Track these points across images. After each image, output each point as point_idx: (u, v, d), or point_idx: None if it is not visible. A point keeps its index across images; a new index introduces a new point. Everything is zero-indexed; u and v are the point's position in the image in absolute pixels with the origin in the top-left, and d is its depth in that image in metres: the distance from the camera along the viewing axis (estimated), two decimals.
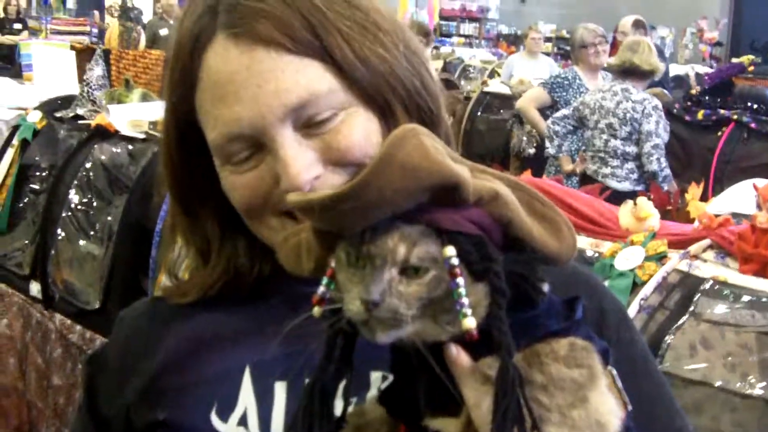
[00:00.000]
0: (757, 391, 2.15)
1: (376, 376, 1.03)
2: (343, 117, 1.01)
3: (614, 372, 0.90)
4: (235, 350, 1.09)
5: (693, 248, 2.28)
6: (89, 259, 3.47)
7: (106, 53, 8.48)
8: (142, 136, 3.54)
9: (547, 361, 0.83)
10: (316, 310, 0.85)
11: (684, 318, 2.18)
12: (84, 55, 6.90)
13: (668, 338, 2.18)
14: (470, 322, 0.79)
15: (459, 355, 0.84)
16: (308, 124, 1.01)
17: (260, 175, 1.02)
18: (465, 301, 0.79)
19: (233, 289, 1.11)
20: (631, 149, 5.48)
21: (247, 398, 1.06)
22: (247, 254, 1.11)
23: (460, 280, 0.80)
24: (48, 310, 3.58)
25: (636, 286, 2.26)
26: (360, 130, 1.02)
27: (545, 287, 0.89)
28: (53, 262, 3.58)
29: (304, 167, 0.99)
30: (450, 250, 0.81)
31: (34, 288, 3.65)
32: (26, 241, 3.77)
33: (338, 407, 0.96)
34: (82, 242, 3.51)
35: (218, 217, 1.12)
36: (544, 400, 0.82)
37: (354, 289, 0.81)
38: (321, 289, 0.85)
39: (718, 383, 2.23)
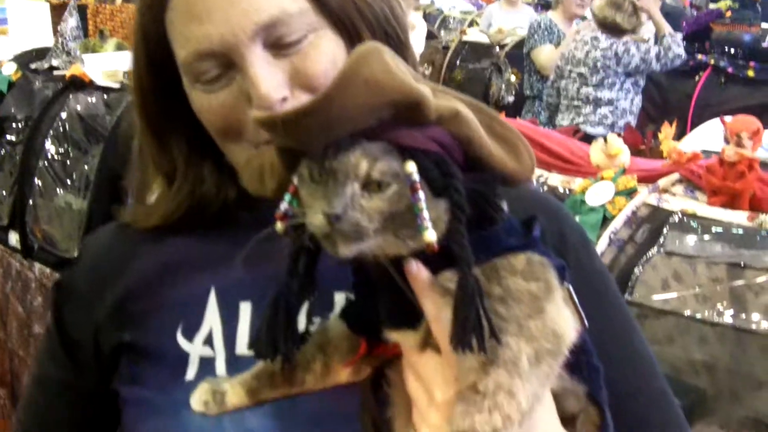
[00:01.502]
0: (727, 319, 2.19)
1: (340, 297, 1.05)
2: (312, 39, 1.02)
3: (571, 288, 0.92)
4: (200, 274, 1.10)
5: (662, 182, 2.31)
6: (67, 210, 3.48)
7: (82, 8, 8.39)
8: (117, 86, 3.53)
9: (505, 274, 0.85)
10: (279, 226, 0.87)
11: (653, 251, 2.21)
12: (59, 11, 6.82)
13: (638, 270, 2.21)
14: (431, 235, 0.81)
15: (419, 270, 0.85)
16: (278, 45, 1.01)
17: (231, 96, 1.03)
18: (425, 215, 0.81)
19: (199, 215, 1.12)
20: (603, 94, 5.49)
21: (212, 318, 1.07)
22: (212, 179, 1.12)
23: (421, 195, 0.81)
24: (27, 260, 3.59)
25: (606, 220, 2.29)
26: (328, 55, 1.03)
27: (504, 206, 0.91)
28: (31, 213, 3.58)
29: (273, 87, 1.00)
30: (411, 166, 0.82)
31: (13, 238, 3.65)
32: (4, 193, 3.76)
33: (301, 325, 0.98)
34: (59, 192, 3.51)
35: (185, 141, 1.12)
36: (501, 312, 0.84)
37: (316, 204, 0.82)
38: (284, 205, 0.86)
39: (687, 313, 2.27)
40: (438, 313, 0.85)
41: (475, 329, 0.80)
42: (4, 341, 3.64)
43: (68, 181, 3.49)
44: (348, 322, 0.97)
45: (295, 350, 0.93)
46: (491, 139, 0.89)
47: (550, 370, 0.86)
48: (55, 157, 3.57)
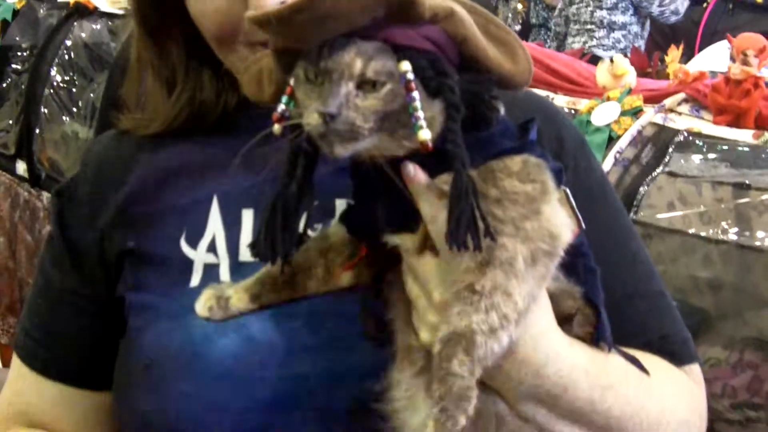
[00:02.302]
0: (731, 237, 2.20)
1: (340, 204, 1.06)
2: None
3: (567, 191, 0.92)
4: (202, 181, 1.11)
5: (668, 102, 2.30)
6: (73, 138, 3.48)
7: None
8: (122, 12, 3.50)
9: (501, 176, 0.86)
10: (276, 128, 0.87)
11: (658, 170, 2.20)
12: None
13: (642, 190, 2.21)
14: (425, 134, 0.81)
15: (416, 172, 0.86)
16: None
17: (226, 0, 1.02)
18: (420, 114, 0.81)
19: (199, 122, 1.13)
20: (617, 18, 5.44)
21: (215, 225, 1.08)
22: (212, 86, 1.12)
23: (416, 94, 0.81)
24: (35, 188, 3.60)
25: (612, 140, 2.28)
26: None
27: (500, 107, 0.90)
28: (38, 142, 3.58)
29: None
30: (405, 65, 0.82)
31: (21, 167, 3.66)
32: (10, 122, 3.76)
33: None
34: (66, 120, 3.50)
35: (184, 48, 1.12)
36: (498, 213, 0.85)
37: (312, 104, 0.82)
38: (280, 107, 0.87)
39: (692, 231, 2.27)
40: (435, 214, 0.85)
41: (469, 227, 0.81)
42: (14, 270, 3.66)
43: (74, 109, 3.48)
44: (348, 227, 0.98)
45: (293, 251, 0.94)
46: (487, 40, 0.88)
47: (546, 271, 0.87)
48: (61, 85, 3.56)
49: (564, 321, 0.93)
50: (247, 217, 1.08)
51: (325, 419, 1.00)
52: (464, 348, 0.81)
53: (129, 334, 1.09)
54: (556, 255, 0.87)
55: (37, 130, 3.59)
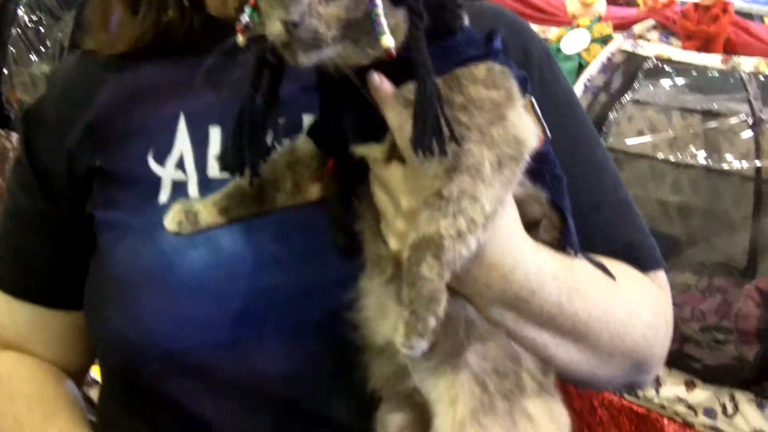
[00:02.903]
0: (701, 161, 2.22)
1: (308, 119, 1.06)
2: None
3: (533, 99, 0.93)
4: (168, 99, 1.11)
5: (637, 28, 2.30)
6: (42, 78, 3.45)
7: None
8: None
9: (466, 83, 0.86)
10: (240, 39, 0.87)
11: (627, 96, 2.22)
12: None
13: (612, 116, 2.23)
14: (388, 40, 0.81)
15: (381, 81, 0.86)
16: None
17: None
18: (383, 20, 0.81)
19: (165, 43, 1.12)
20: None
21: (182, 143, 1.08)
22: (177, 6, 1.11)
23: (378, 1, 0.81)
24: (4, 129, 3.57)
25: (582, 68, 2.29)
26: None
27: (464, 16, 0.90)
28: (6, 82, 3.55)
29: None
30: None
31: None
32: None
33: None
34: (34, 60, 3.47)
35: None
36: (463, 119, 0.85)
37: (275, 13, 0.81)
38: (244, 17, 0.86)
39: (661, 156, 2.29)
40: (401, 122, 0.86)
41: (435, 133, 0.81)
42: None
43: (42, 49, 3.45)
44: (315, 140, 0.98)
45: (261, 162, 0.94)
46: None
47: (512, 176, 0.87)
48: (29, 24, 3.53)
49: (531, 227, 0.94)
50: (215, 134, 1.08)
51: (296, 331, 1.01)
52: (433, 252, 0.82)
53: (99, 251, 1.10)
54: (522, 160, 0.87)
55: (6, 71, 3.55)
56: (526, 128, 0.88)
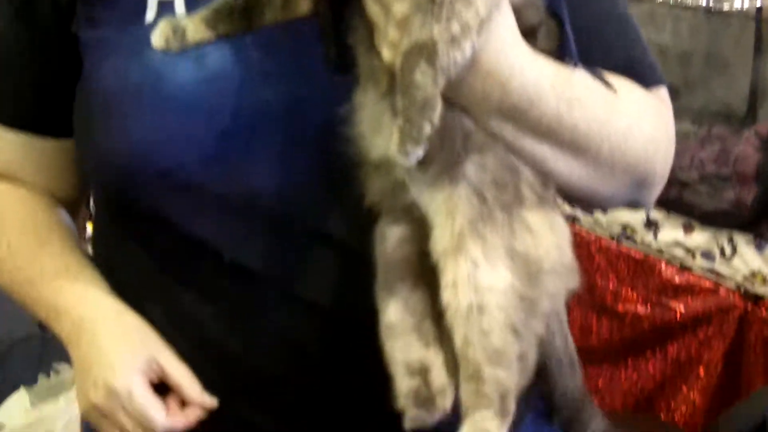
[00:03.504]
0: (701, 2, 2.16)
1: None
2: None
3: None
4: None
5: None
6: None
7: None
8: None
9: None
10: None
11: None
12: None
13: None
14: None
15: None
16: None
17: None
18: None
19: None
20: None
21: None
22: None
23: None
24: None
25: None
26: None
27: None
28: None
29: None
30: None
31: None
32: None
33: None
34: None
35: None
36: None
37: None
38: None
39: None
40: None
41: None
42: None
43: None
44: None
45: None
46: None
47: None
48: None
49: (528, 34, 0.91)
50: None
51: (288, 146, 1.00)
52: (426, 58, 0.80)
53: (85, 72, 1.07)
54: None
55: None
56: None
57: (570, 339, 1.04)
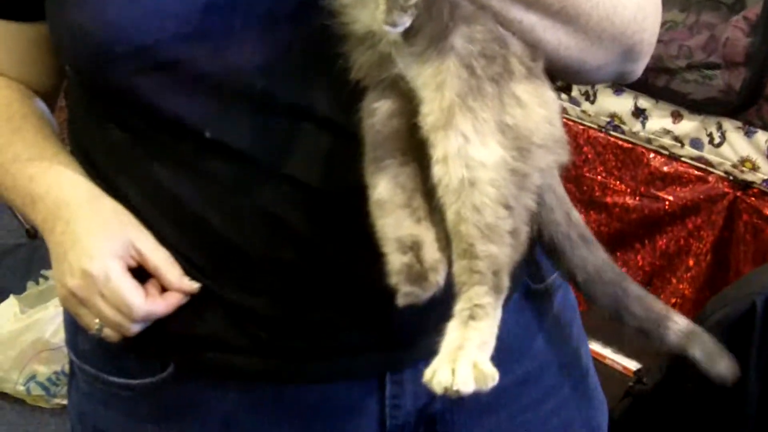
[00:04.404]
0: None
1: None
2: None
3: None
4: None
5: None
6: None
7: None
8: None
9: None
10: None
11: None
12: None
13: None
14: None
15: None
16: None
17: None
18: None
19: None
20: None
21: None
22: None
23: None
24: None
25: None
26: None
27: None
28: None
29: None
30: None
31: None
32: None
33: None
34: None
35: None
36: None
37: None
38: None
39: None
40: None
41: None
42: None
43: None
44: None
45: None
46: None
47: None
48: None
49: None
50: None
51: (269, 21, 0.96)
52: None
53: None
54: None
55: None
56: None
57: (574, 214, 1.03)
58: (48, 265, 2.56)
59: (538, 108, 0.92)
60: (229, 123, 0.99)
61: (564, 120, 1.01)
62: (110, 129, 1.05)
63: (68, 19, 1.00)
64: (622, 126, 2.67)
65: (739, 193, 2.45)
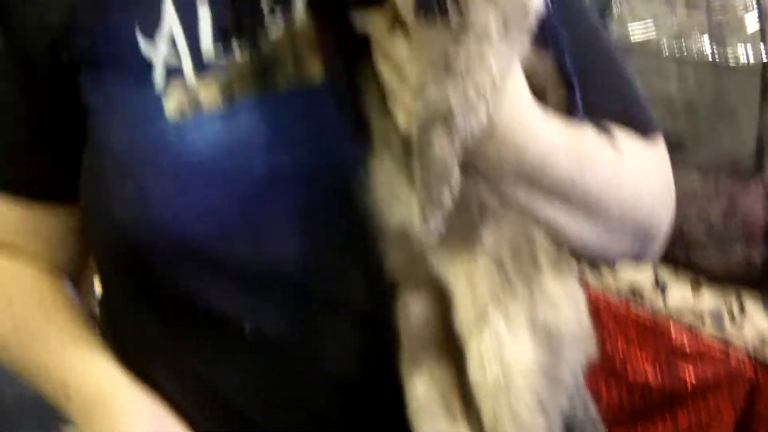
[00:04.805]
0: (706, 51, 2.15)
1: None
2: None
3: None
4: None
5: None
6: None
7: None
8: None
9: None
10: None
11: None
12: None
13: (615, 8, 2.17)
14: None
15: None
16: None
17: None
18: None
19: None
20: None
21: (171, 19, 1.00)
22: None
23: None
24: None
25: None
26: None
27: None
28: None
29: None
30: None
31: None
32: None
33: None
34: None
35: None
36: None
37: None
38: None
39: (665, 48, 2.23)
40: None
41: None
42: None
43: None
44: (314, 10, 0.93)
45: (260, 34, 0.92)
46: None
47: (518, 38, 0.84)
48: None
49: (538, 94, 0.90)
50: (204, 13, 1.01)
51: (306, 214, 0.97)
52: (443, 124, 0.80)
53: (94, 136, 1.02)
54: (527, 21, 0.84)
55: None
56: None
57: (590, 404, 1.02)
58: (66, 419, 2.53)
59: (567, 302, 0.92)
60: (267, 316, 0.99)
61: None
62: (146, 319, 1.05)
63: (107, 208, 1.01)
64: (642, 300, 2.63)
65: (760, 374, 2.36)
